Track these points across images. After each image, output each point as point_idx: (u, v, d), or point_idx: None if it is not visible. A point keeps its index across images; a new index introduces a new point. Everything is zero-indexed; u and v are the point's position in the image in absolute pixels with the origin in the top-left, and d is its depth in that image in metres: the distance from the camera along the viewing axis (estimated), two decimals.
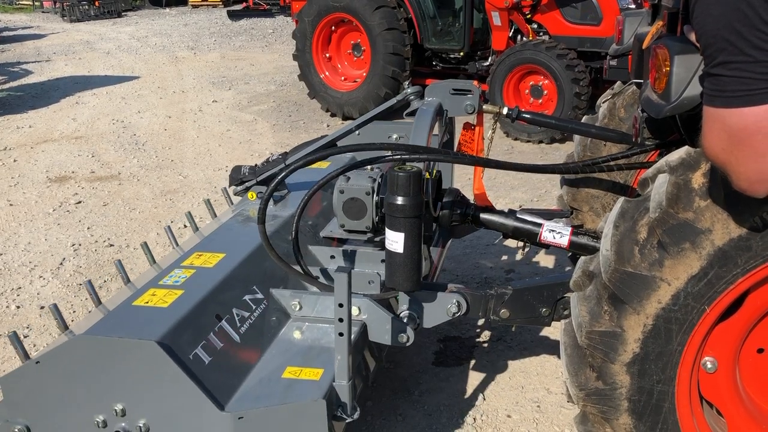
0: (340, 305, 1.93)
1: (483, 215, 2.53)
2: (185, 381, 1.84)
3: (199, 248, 2.44)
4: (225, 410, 1.88)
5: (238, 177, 2.79)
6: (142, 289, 2.16)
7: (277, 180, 2.33)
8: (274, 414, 1.90)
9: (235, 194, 2.86)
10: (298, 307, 2.32)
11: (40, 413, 1.96)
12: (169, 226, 2.89)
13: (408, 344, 2.27)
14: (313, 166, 2.85)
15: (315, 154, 2.42)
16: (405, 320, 2.33)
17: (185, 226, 4.27)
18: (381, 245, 2.61)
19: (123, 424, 1.92)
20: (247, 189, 2.77)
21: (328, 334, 2.23)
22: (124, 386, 1.90)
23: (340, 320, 1.93)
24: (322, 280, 2.44)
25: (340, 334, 1.94)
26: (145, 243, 2.72)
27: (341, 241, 2.70)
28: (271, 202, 2.76)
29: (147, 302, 2.07)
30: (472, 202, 2.61)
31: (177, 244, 2.71)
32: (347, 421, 2.00)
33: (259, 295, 2.29)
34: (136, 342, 1.87)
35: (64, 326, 2.14)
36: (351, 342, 1.97)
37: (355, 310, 2.20)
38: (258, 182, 2.75)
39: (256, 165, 2.81)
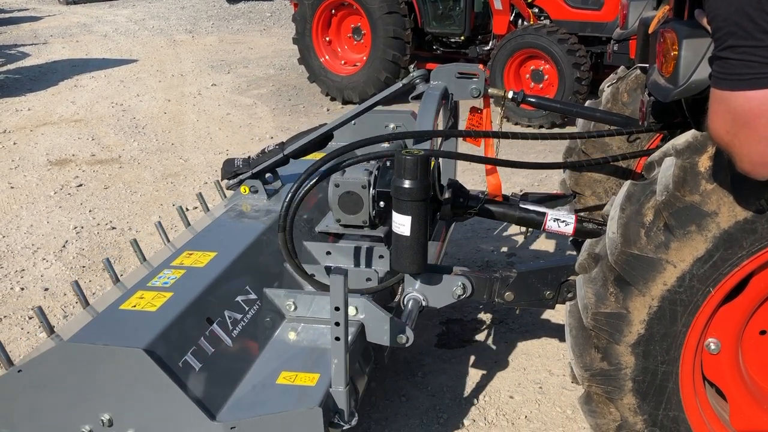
0: (337, 308, 1.84)
1: (486, 207, 2.48)
2: (174, 390, 1.76)
3: (190, 247, 2.35)
4: (216, 420, 1.82)
5: (231, 170, 2.69)
6: (129, 291, 2.07)
7: (301, 179, 2.29)
8: (268, 423, 1.83)
9: (228, 188, 2.78)
10: (292, 308, 2.25)
11: (24, 423, 1.88)
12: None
13: (407, 345, 2.19)
14: (309, 156, 2.78)
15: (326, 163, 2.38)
16: (410, 303, 2.33)
17: (193, 209, 4.28)
18: (378, 240, 2.59)
19: None
20: (241, 182, 2.69)
21: (325, 336, 2.16)
22: (110, 395, 1.83)
23: (337, 324, 1.85)
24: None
25: (337, 339, 1.86)
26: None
27: (337, 236, 2.63)
28: (265, 195, 2.68)
29: (134, 306, 1.98)
30: (471, 192, 2.54)
31: (168, 240, 2.62)
32: (344, 428, 1.93)
33: (252, 296, 2.21)
34: (123, 350, 1.79)
35: (50, 329, 2.03)
36: (348, 346, 1.89)
37: (351, 310, 2.12)
38: (253, 174, 2.67)
39: (249, 157, 2.73)
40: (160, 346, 1.81)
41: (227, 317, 2.08)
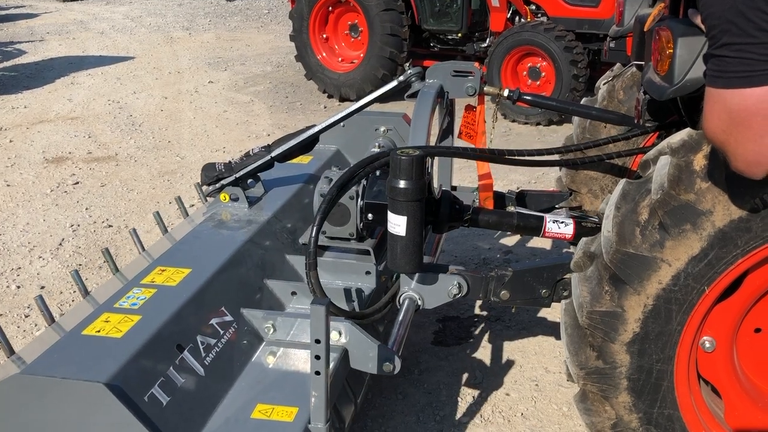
0: (317, 341, 1.69)
1: (481, 217, 2.38)
2: (139, 428, 1.61)
3: (163, 261, 2.19)
4: None
5: (213, 175, 2.56)
6: (94, 313, 1.90)
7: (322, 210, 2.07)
8: None
9: (208, 195, 2.64)
10: (271, 330, 2.13)
11: None
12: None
13: (394, 373, 2.05)
14: (295, 161, 2.71)
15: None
16: (406, 302, 2.32)
17: (190, 206, 4.28)
18: (365, 254, 2.51)
19: None
20: (223, 187, 2.58)
21: (305, 362, 2.02)
22: None
23: (317, 357, 1.71)
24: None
25: (317, 373, 1.71)
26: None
27: (322, 249, 2.52)
28: (245, 204, 2.58)
29: (98, 331, 1.80)
30: (466, 203, 2.44)
31: (143, 249, 2.46)
32: None
33: (228, 317, 2.07)
34: (82, 384, 1.62)
35: (10, 350, 1.85)
36: (329, 381, 1.75)
37: (335, 335, 2.01)
38: (237, 179, 2.55)
39: (230, 161, 2.62)
40: (125, 378, 1.65)
41: (200, 343, 1.93)
